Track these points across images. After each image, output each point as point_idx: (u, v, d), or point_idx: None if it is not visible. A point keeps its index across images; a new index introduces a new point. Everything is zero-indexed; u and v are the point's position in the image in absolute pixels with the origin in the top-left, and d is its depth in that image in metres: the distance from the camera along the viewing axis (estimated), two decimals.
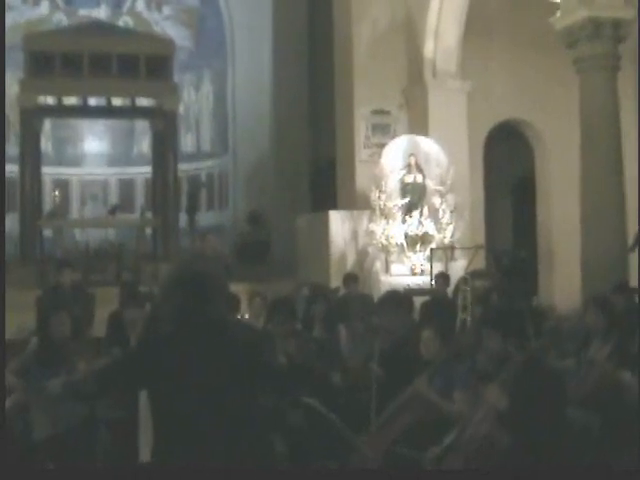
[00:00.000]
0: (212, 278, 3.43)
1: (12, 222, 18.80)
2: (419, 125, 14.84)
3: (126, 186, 23.77)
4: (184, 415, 3.19)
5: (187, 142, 22.90)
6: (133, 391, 3.47)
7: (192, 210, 19.71)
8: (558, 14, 11.45)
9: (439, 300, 10.73)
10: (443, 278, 11.30)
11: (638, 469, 4.72)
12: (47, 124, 21.10)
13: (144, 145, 23.31)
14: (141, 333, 5.72)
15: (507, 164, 17.31)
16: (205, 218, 20.81)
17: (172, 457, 3.20)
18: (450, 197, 13.65)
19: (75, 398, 4.35)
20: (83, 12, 22.85)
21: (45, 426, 4.90)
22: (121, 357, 3.62)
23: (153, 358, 3.29)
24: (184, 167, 20.16)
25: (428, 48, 14.79)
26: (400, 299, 6.18)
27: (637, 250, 11.23)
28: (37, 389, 4.70)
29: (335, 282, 12.45)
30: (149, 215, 18.83)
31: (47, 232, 18.42)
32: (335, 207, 15.08)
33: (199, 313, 3.33)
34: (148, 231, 18.39)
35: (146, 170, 21.41)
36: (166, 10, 23.39)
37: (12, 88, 20.01)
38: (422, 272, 13.23)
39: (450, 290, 11.12)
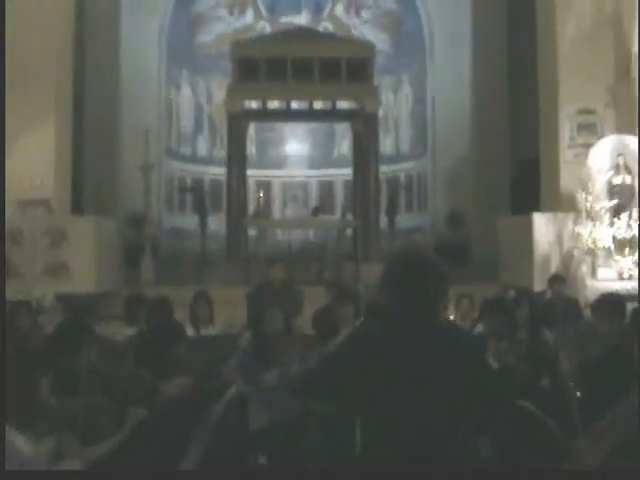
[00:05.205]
0: (437, 275, 3.17)
1: (219, 222, 19.63)
2: (627, 124, 14.28)
3: (325, 188, 24.25)
4: (393, 416, 3.08)
5: (386, 144, 23.04)
6: (343, 389, 3.41)
7: (392, 212, 19.81)
8: None
9: None
10: None
11: None
12: (251, 127, 21.83)
13: (344, 147, 23.70)
14: (353, 331, 5.77)
15: None
16: (404, 220, 20.88)
17: (377, 458, 3.10)
18: None
19: (290, 392, 4.45)
20: (285, 19, 23.54)
21: (262, 418, 5.09)
22: (333, 355, 3.55)
23: (363, 356, 3.15)
24: (383, 169, 20.33)
25: (636, 43, 14.22)
26: (618, 302, 5.98)
27: None
28: (253, 382, 4.86)
29: (538, 285, 12.20)
30: (350, 216, 19.09)
31: (251, 231, 19.04)
32: (536, 208, 14.78)
33: (416, 312, 3.14)
34: (348, 232, 18.65)
35: (345, 172, 21.73)
36: (365, 14, 23.68)
37: (219, 94, 20.93)
38: (630, 277, 12.74)
39: None
